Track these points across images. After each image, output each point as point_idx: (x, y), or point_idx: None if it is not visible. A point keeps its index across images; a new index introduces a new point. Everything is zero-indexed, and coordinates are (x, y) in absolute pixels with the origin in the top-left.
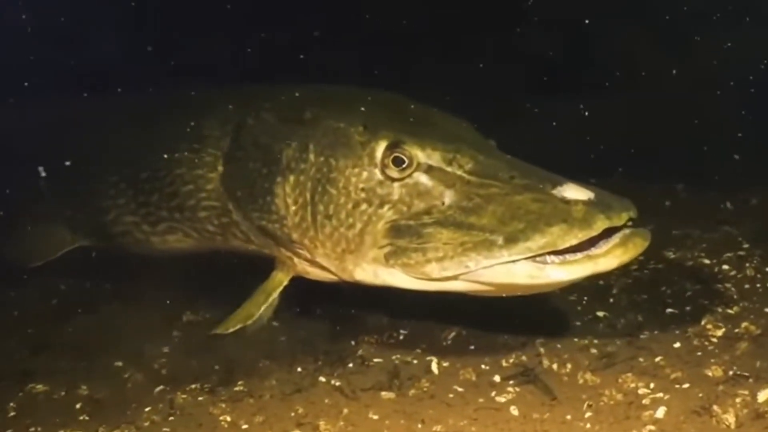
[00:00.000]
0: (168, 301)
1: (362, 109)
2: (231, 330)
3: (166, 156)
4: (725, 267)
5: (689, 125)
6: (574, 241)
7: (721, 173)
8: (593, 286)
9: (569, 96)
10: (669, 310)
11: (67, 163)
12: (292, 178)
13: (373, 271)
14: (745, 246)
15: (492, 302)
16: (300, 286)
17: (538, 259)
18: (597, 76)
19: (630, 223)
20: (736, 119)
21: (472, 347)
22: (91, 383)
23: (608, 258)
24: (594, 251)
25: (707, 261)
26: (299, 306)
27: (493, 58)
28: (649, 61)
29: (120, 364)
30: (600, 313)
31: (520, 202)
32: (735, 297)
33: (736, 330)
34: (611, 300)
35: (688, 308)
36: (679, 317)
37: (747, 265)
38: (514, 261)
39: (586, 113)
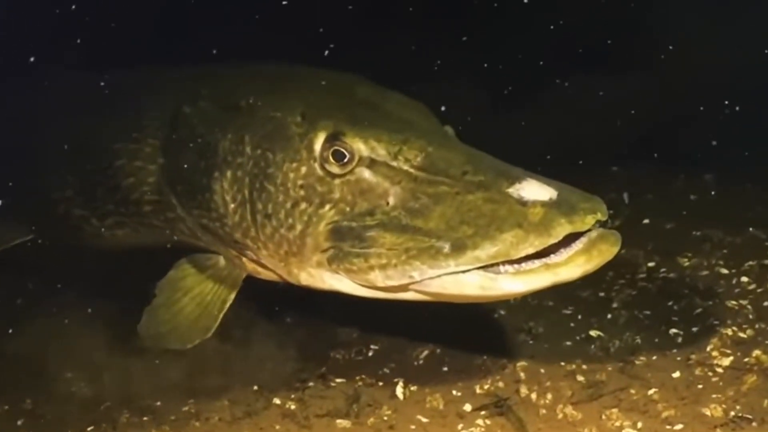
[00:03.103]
0: (137, 304)
1: (304, 94)
2: (189, 346)
3: (107, 146)
4: (744, 279)
5: (729, 110)
6: (529, 250)
7: (757, 165)
8: (592, 298)
9: (593, 72)
10: (673, 330)
11: (16, 154)
12: (229, 173)
13: (319, 275)
14: None
15: (474, 316)
16: (270, 291)
17: (490, 268)
18: (626, 51)
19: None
20: None
21: (446, 368)
22: (37, 397)
23: (569, 267)
24: (554, 259)
25: (725, 270)
26: (267, 314)
27: (512, 30)
28: (688, 34)
29: (70, 375)
30: (594, 333)
31: (471, 202)
32: (750, 317)
33: (746, 359)
34: (609, 316)
35: (694, 329)
36: (684, 340)
37: None
38: (463, 271)
39: (613, 91)
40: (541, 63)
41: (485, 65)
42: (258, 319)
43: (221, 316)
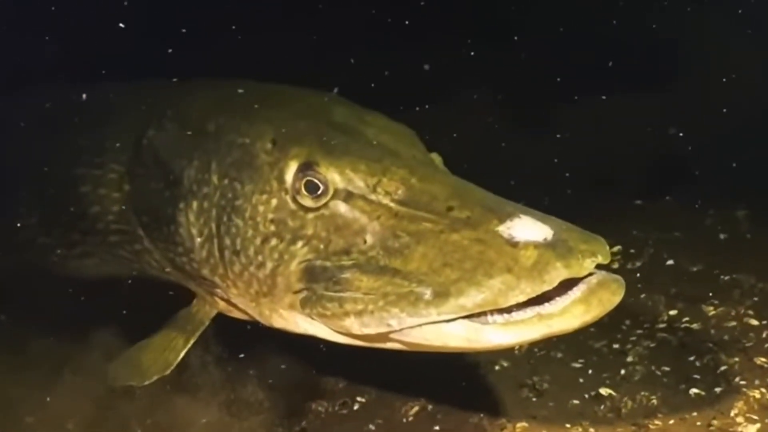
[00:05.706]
0: (110, 337)
1: (275, 118)
2: (147, 382)
3: (69, 171)
4: None
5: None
6: (520, 298)
7: None
8: (605, 350)
9: (619, 90)
10: (693, 390)
11: None
12: (195, 204)
13: (292, 318)
14: None
15: (472, 366)
16: (251, 329)
17: (476, 317)
18: (649, 65)
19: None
20: None
21: (437, 427)
22: None
23: (565, 318)
24: (547, 308)
25: (755, 322)
26: (248, 354)
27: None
28: (719, 48)
29: (31, 420)
30: (605, 391)
31: (457, 242)
32: None
33: None
34: (623, 371)
35: (717, 390)
36: (705, 402)
37: None
38: (446, 320)
39: (640, 112)
40: (564, 79)
41: (506, 80)
42: (234, 363)
43: (183, 353)
